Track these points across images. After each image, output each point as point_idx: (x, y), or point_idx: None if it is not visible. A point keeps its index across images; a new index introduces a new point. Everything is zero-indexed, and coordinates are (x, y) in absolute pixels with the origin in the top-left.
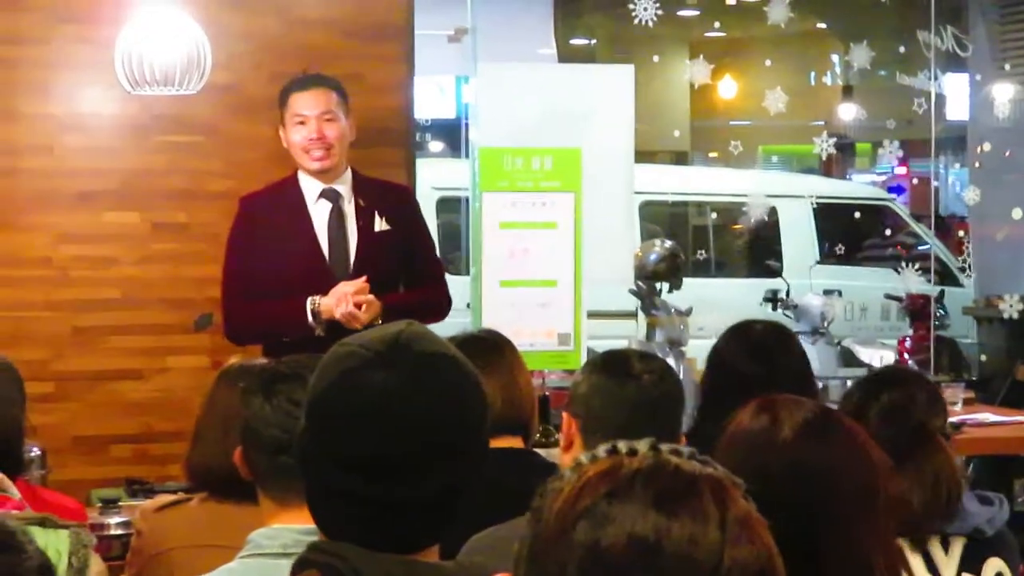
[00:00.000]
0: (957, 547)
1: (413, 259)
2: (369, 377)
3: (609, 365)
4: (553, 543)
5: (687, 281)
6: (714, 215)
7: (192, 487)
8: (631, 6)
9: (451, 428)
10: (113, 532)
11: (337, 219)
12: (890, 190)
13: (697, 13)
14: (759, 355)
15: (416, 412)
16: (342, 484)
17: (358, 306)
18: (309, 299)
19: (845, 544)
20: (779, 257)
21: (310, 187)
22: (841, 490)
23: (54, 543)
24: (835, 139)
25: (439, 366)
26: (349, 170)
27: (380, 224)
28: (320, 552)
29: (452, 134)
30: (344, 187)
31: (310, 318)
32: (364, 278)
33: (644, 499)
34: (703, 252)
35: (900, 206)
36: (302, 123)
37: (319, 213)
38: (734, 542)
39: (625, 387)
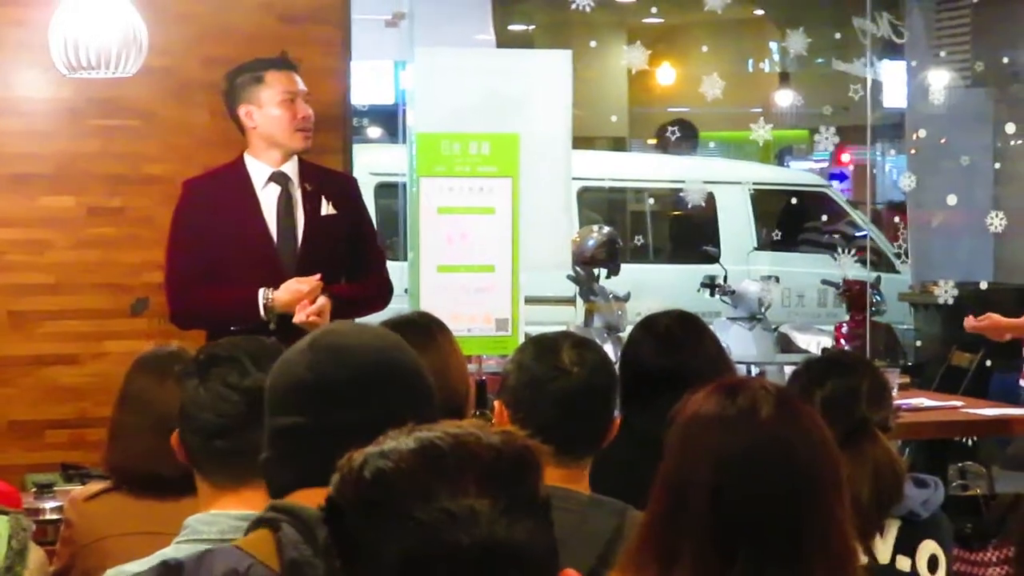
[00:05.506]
0: (892, 529)
1: (357, 247)
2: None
3: (539, 355)
4: None
5: (625, 267)
6: (652, 201)
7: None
8: None
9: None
10: (48, 517)
11: (286, 203)
12: (831, 177)
13: None
14: (666, 349)
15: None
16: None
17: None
18: (261, 291)
19: (827, 523)
20: (717, 243)
21: (258, 171)
22: (822, 468)
23: None
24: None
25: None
26: (296, 155)
27: (326, 208)
28: (275, 510)
29: (389, 119)
30: (292, 171)
31: (262, 312)
32: (318, 276)
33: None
34: (640, 238)
35: (837, 193)
36: (291, 101)
37: (268, 197)
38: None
39: (555, 381)
